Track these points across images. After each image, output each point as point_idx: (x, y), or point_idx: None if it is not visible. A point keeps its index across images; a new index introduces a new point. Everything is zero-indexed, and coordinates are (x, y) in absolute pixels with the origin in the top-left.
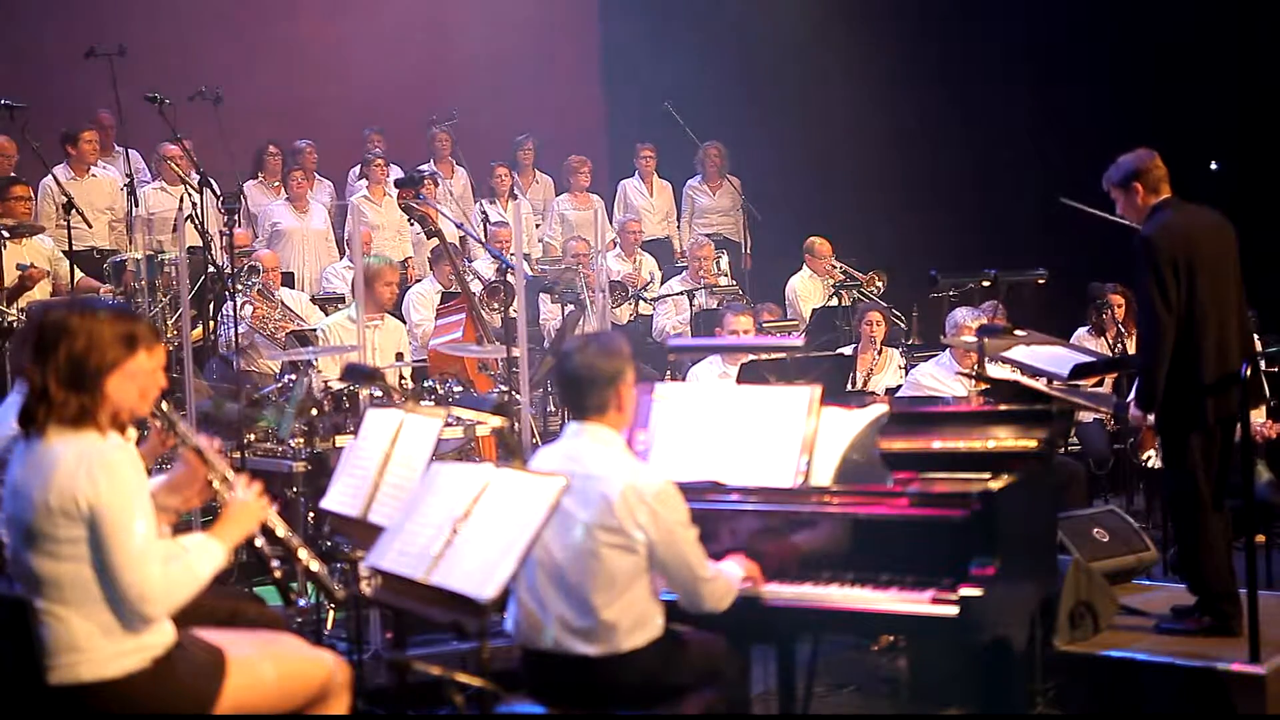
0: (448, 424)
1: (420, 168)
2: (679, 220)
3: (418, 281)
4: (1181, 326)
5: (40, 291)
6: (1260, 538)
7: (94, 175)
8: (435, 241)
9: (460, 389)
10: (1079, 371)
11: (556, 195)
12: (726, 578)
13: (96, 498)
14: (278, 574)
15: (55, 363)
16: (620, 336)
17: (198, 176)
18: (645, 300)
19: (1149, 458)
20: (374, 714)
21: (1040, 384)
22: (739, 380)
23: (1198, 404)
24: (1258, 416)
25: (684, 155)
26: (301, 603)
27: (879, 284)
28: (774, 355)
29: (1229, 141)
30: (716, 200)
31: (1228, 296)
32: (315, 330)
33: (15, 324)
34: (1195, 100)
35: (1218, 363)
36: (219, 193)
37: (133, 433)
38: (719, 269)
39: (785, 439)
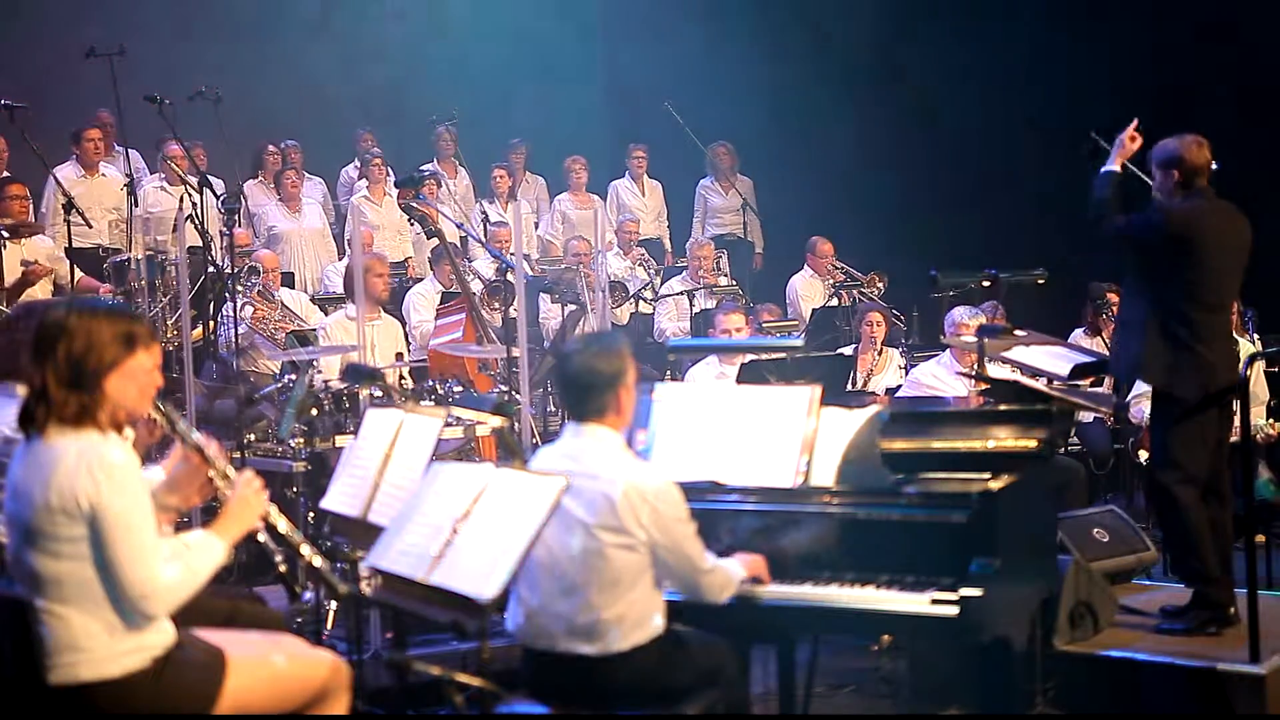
0: (448, 424)
1: (423, 168)
2: (688, 220)
3: (418, 281)
4: (1178, 313)
5: (42, 290)
6: (1260, 538)
7: (103, 175)
8: (435, 241)
9: (460, 389)
10: (1079, 371)
11: (554, 195)
12: (726, 570)
13: (98, 496)
14: (282, 568)
15: (54, 363)
16: (621, 337)
17: (197, 176)
18: (645, 300)
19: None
20: (374, 714)
21: (1040, 384)
22: (739, 380)
23: (1189, 393)
24: (1258, 417)
25: (685, 155)
26: (305, 596)
27: (880, 284)
28: (774, 355)
29: (1228, 142)
30: (729, 200)
31: (1230, 292)
32: (315, 330)
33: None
34: (1195, 100)
35: (1211, 353)
36: (219, 193)
37: (129, 432)
38: (719, 269)
39: (785, 439)
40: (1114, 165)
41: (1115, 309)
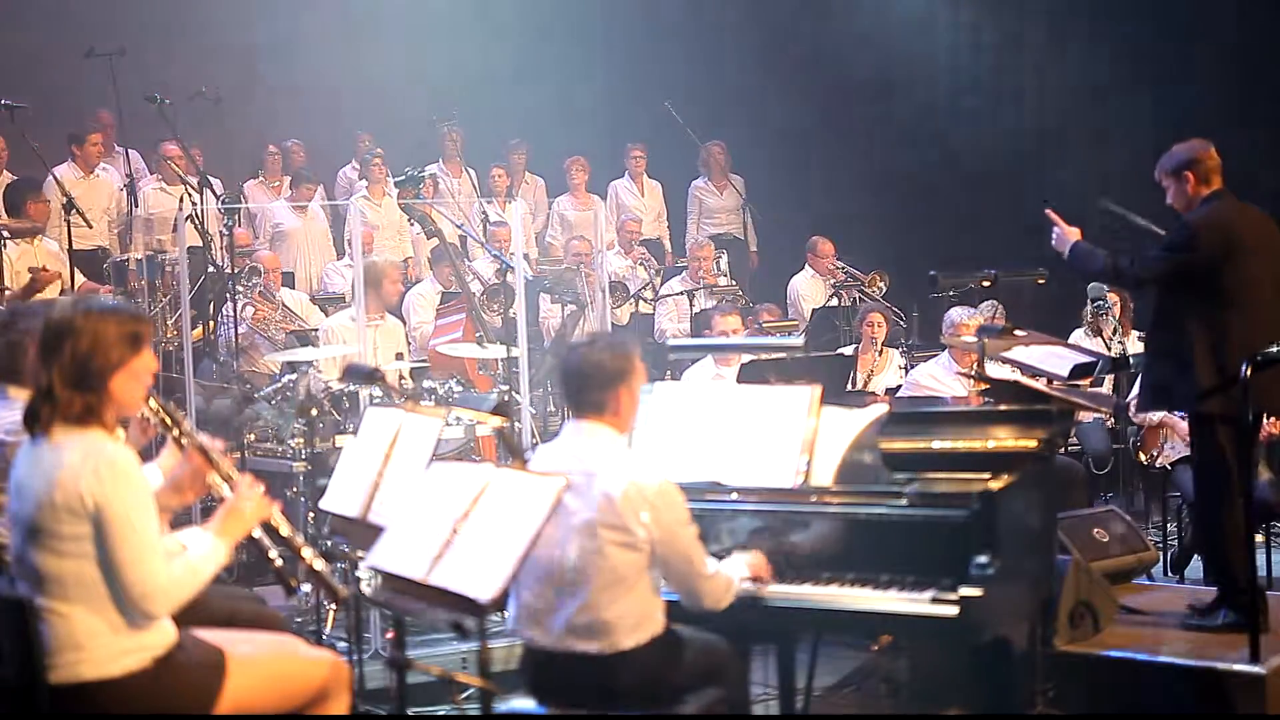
0: (447, 424)
1: (427, 167)
2: (686, 220)
3: (418, 282)
4: (1214, 317)
5: (50, 294)
6: (1260, 538)
7: (99, 175)
8: (435, 241)
9: (460, 389)
10: (1079, 371)
11: (554, 195)
12: (726, 576)
13: (103, 495)
14: (278, 564)
15: (60, 362)
16: (633, 340)
17: (197, 177)
18: (645, 300)
19: (1151, 457)
20: (374, 714)
21: (1040, 384)
22: (739, 380)
23: (1231, 395)
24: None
25: (685, 155)
26: (303, 589)
27: (881, 284)
28: (774, 355)
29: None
30: (724, 199)
31: (1266, 293)
32: (315, 330)
33: None
34: (1196, 100)
35: (1251, 355)
36: (219, 193)
37: (121, 432)
38: (719, 269)
39: (785, 439)
40: (1073, 237)
41: (1114, 309)
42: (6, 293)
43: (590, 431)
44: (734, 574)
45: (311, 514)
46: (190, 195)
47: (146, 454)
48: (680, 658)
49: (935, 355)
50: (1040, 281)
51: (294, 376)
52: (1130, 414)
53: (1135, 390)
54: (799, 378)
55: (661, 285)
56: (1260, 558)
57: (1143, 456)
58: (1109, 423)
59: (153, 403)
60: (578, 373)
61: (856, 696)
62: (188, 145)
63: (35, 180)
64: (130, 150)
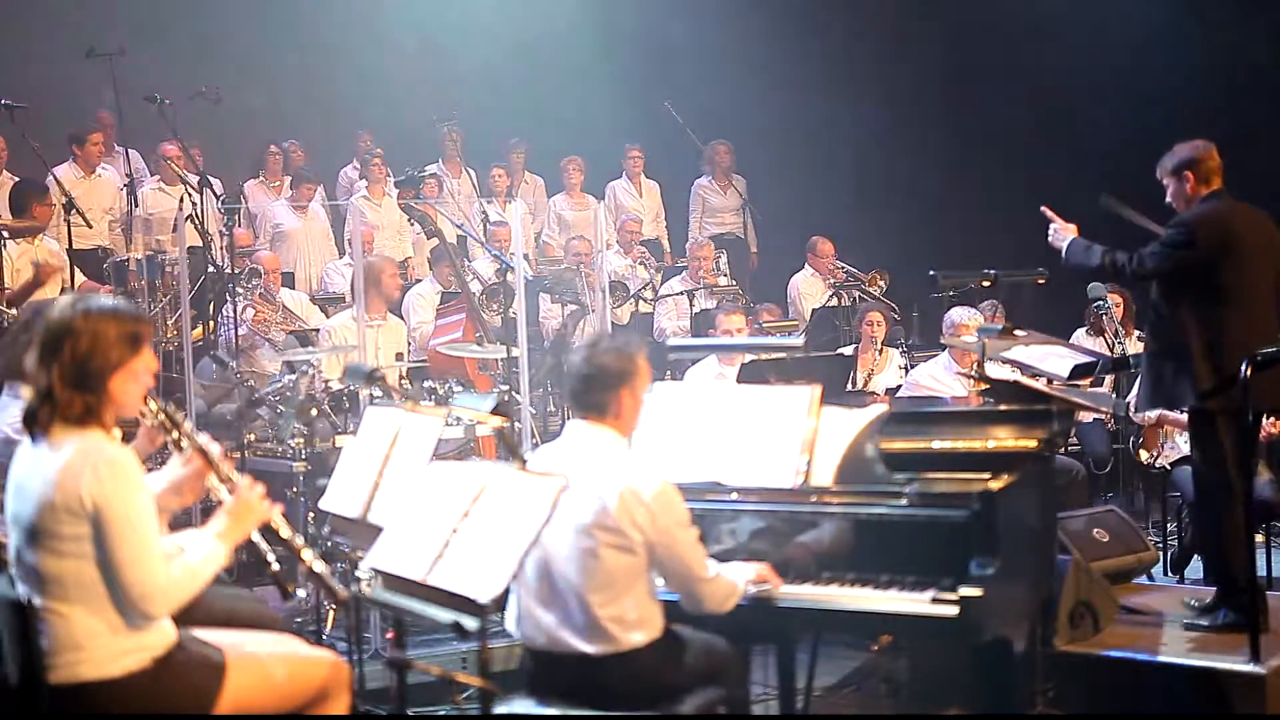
0: (447, 424)
1: (426, 167)
2: (685, 220)
3: (418, 281)
4: (1217, 324)
5: (51, 290)
6: (1259, 538)
7: (99, 175)
8: (435, 241)
9: (460, 389)
10: (1079, 371)
11: (550, 196)
12: (728, 579)
13: (101, 495)
14: (275, 568)
15: (60, 363)
16: (640, 344)
17: (197, 176)
18: (645, 300)
19: (1151, 457)
20: (374, 714)
21: (1040, 384)
22: (739, 380)
23: (1228, 393)
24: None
25: (684, 155)
26: (300, 594)
27: (881, 283)
28: (774, 355)
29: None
30: (727, 199)
31: (1262, 292)
32: (315, 331)
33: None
34: (1196, 99)
35: (1249, 354)
36: (219, 193)
37: (117, 432)
38: (718, 269)
39: (785, 439)
40: (1070, 233)
41: (1115, 310)
42: (7, 291)
43: (591, 433)
44: (738, 578)
45: (311, 514)
46: (190, 195)
47: (153, 461)
48: (680, 658)
49: (935, 355)
50: (1040, 281)
51: (294, 377)
52: (1130, 414)
53: (1135, 390)
54: (799, 378)
55: (661, 285)
56: (1260, 558)
57: (1143, 456)
58: (1109, 423)
59: (152, 404)
60: (581, 373)
61: (856, 696)
62: (188, 145)
63: (42, 184)
64: (130, 150)
